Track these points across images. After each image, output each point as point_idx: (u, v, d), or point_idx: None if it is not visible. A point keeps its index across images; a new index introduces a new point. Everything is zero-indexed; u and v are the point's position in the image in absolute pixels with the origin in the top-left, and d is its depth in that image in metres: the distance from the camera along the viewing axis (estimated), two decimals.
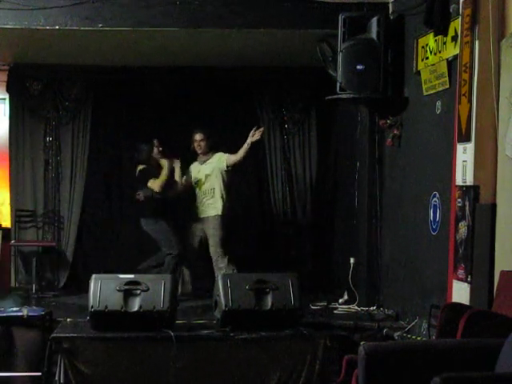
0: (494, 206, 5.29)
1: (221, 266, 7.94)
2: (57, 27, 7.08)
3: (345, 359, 4.81)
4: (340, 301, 7.77)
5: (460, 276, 5.55)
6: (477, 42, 5.40)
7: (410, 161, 6.92)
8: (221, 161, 8.15)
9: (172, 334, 6.22)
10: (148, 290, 6.34)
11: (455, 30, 5.85)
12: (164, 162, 8.19)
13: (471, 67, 5.42)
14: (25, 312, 6.73)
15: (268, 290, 6.48)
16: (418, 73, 6.66)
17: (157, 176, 8.16)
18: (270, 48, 8.03)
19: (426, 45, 6.49)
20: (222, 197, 8.12)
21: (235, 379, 6.35)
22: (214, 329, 6.51)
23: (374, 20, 7.00)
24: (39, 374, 6.41)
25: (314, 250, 9.38)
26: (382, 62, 6.99)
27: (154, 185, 8.12)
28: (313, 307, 7.61)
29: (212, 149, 8.23)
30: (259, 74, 9.09)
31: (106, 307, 6.27)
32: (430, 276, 6.36)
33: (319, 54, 7.54)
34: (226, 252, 8.01)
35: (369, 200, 7.65)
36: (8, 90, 9.10)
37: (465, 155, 5.52)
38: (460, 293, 5.52)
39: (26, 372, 6.59)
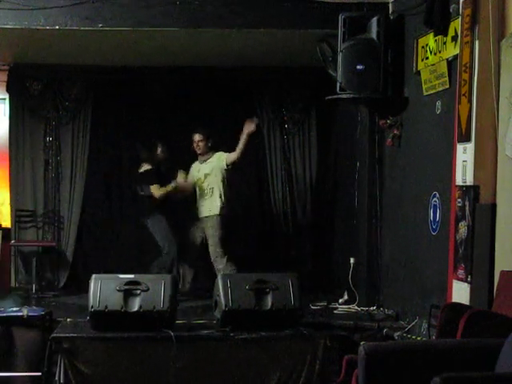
0: (493, 206, 5.29)
1: (220, 266, 7.94)
2: (57, 27, 7.08)
3: (345, 359, 4.81)
4: (340, 301, 7.77)
5: (460, 276, 5.55)
6: (477, 42, 5.40)
7: (410, 161, 6.92)
8: (220, 160, 8.15)
9: (172, 334, 6.22)
10: (148, 290, 6.34)
11: (455, 30, 5.85)
12: (182, 176, 8.16)
13: (471, 67, 5.42)
14: (25, 312, 6.73)
15: (268, 289, 6.48)
16: (418, 73, 6.66)
17: (158, 179, 8.16)
18: (270, 48, 8.03)
19: (426, 45, 6.49)
20: (220, 196, 8.12)
21: (235, 379, 6.35)
22: (214, 329, 6.51)
23: (374, 20, 7.00)
24: (39, 373, 6.41)
25: (314, 250, 9.38)
26: (382, 62, 6.99)
27: (156, 192, 8.13)
28: (313, 307, 7.61)
29: (212, 149, 8.23)
30: (259, 74, 9.09)
31: (106, 307, 6.27)
32: (430, 276, 6.36)
33: (319, 54, 7.54)
34: (226, 252, 8.01)
35: (369, 200, 7.66)
36: (8, 90, 9.10)
37: (465, 155, 5.52)
38: (460, 293, 5.53)
39: (26, 372, 6.59)
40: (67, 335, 6.32)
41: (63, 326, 6.60)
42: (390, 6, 7.23)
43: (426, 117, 6.58)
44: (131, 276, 6.46)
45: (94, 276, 6.43)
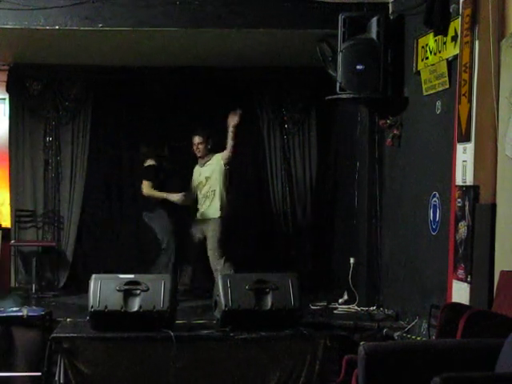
0: (493, 206, 5.29)
1: (218, 267, 7.94)
2: (57, 27, 7.08)
3: (345, 359, 4.81)
4: (340, 301, 7.76)
5: (460, 276, 5.55)
6: (477, 42, 5.40)
7: (410, 161, 6.92)
8: (218, 160, 8.16)
9: (172, 334, 6.22)
10: (148, 289, 6.34)
11: (455, 30, 5.85)
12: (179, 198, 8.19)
13: (471, 67, 5.42)
14: (25, 312, 6.73)
15: (268, 289, 6.48)
16: (418, 73, 6.66)
17: (157, 178, 8.17)
18: (270, 48, 8.03)
19: (426, 45, 6.48)
20: (221, 199, 8.12)
21: (235, 379, 6.35)
22: (214, 329, 6.51)
23: (374, 20, 7.00)
24: (39, 374, 6.42)
25: (314, 250, 9.38)
26: (382, 62, 6.99)
27: (146, 189, 8.14)
28: (313, 307, 7.61)
29: (211, 151, 8.22)
30: (259, 74, 9.09)
31: (106, 307, 6.27)
32: (430, 276, 6.36)
33: (319, 54, 7.54)
34: (224, 253, 8.01)
35: (369, 200, 7.66)
36: (8, 90, 9.10)
37: (465, 155, 5.52)
38: (460, 293, 5.53)
39: (26, 372, 6.59)
40: (67, 335, 6.32)
41: (63, 326, 6.60)
42: (390, 5, 7.23)
43: (425, 117, 6.58)
44: (131, 276, 6.46)
45: (93, 276, 6.43)
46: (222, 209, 8.10)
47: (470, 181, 5.45)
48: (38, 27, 7.06)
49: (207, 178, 8.17)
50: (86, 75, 9.07)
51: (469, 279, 5.43)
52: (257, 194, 9.58)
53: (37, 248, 8.94)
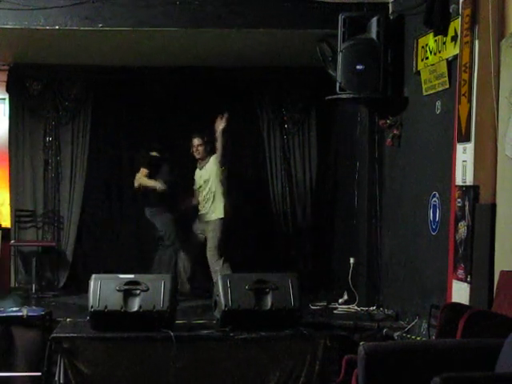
0: (493, 206, 5.29)
1: (216, 268, 7.95)
2: (57, 27, 7.08)
3: (345, 359, 4.81)
4: (340, 301, 7.77)
5: (460, 276, 5.55)
6: (477, 42, 5.40)
7: (410, 161, 6.92)
8: (214, 162, 8.14)
9: (172, 334, 6.22)
10: (148, 289, 6.34)
11: (455, 30, 5.85)
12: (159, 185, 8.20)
13: (471, 67, 5.42)
14: (25, 312, 6.73)
15: (268, 289, 6.48)
16: (418, 73, 6.66)
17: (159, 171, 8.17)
18: (270, 48, 8.03)
19: (426, 45, 6.48)
20: (221, 200, 8.12)
21: (235, 379, 6.35)
22: (214, 329, 6.51)
23: (374, 20, 7.00)
24: (39, 374, 6.42)
25: (314, 250, 9.38)
26: (382, 62, 6.99)
27: (139, 174, 8.15)
28: (313, 307, 7.61)
29: (210, 153, 8.21)
30: (259, 74, 9.09)
31: (106, 307, 6.27)
32: (430, 276, 6.36)
33: (319, 54, 7.54)
34: (223, 254, 8.01)
35: (369, 200, 7.66)
36: (8, 90, 9.11)
37: (465, 155, 5.52)
38: (460, 293, 5.52)
39: (26, 372, 6.59)
40: (67, 335, 6.32)
41: (63, 326, 6.61)
42: (390, 5, 7.23)
43: (425, 117, 6.58)
44: (131, 276, 6.47)
45: (93, 276, 6.43)
46: (222, 210, 8.10)
47: (469, 181, 5.45)
48: (38, 27, 7.06)
49: (206, 181, 8.18)
50: (86, 75, 9.07)
51: (469, 279, 5.43)
52: (257, 194, 9.57)
53: (37, 248, 8.94)
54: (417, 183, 6.73)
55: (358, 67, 6.96)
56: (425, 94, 6.51)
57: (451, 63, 6.01)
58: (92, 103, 9.16)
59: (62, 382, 6.21)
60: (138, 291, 6.34)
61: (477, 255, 5.37)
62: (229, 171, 8.33)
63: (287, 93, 9.34)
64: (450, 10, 5.88)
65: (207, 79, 9.06)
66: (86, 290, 6.39)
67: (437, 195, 6.27)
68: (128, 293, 6.33)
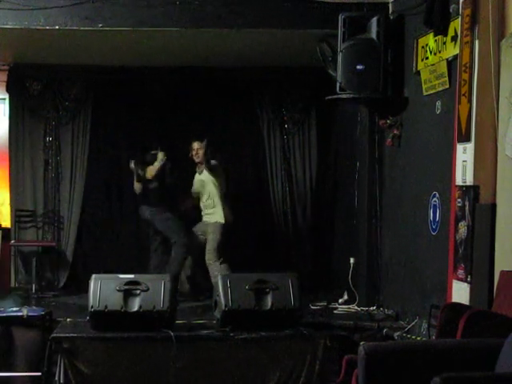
0: (493, 206, 5.29)
1: (214, 270, 7.94)
2: (57, 27, 7.08)
3: (345, 359, 4.81)
4: (340, 301, 7.76)
5: (460, 276, 5.55)
6: (477, 42, 5.40)
7: (410, 161, 6.92)
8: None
9: (172, 334, 6.22)
10: (148, 289, 6.34)
11: (455, 30, 5.85)
12: (160, 155, 8.18)
13: (471, 67, 5.42)
14: (25, 312, 6.73)
15: (268, 289, 6.48)
16: (418, 73, 6.66)
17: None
18: (270, 48, 8.03)
19: (426, 45, 6.48)
20: (222, 204, 8.13)
21: (235, 379, 6.35)
22: (214, 329, 6.51)
23: (374, 20, 7.00)
24: (39, 373, 6.42)
25: (314, 250, 9.38)
26: (382, 62, 6.99)
27: (149, 172, 8.14)
28: (313, 307, 7.61)
29: (208, 158, 8.19)
30: (259, 74, 9.09)
31: (106, 307, 6.27)
32: (430, 276, 6.36)
33: (319, 54, 7.54)
34: (220, 256, 8.01)
35: (369, 200, 7.65)
36: (8, 90, 9.10)
37: (465, 155, 5.52)
38: (460, 293, 5.52)
39: (26, 372, 6.59)
40: (67, 335, 6.32)
41: (63, 326, 6.60)
42: (390, 5, 7.22)
43: (425, 117, 6.58)
44: (131, 276, 6.47)
45: (93, 276, 6.43)
46: (222, 215, 8.11)
47: (470, 181, 5.45)
48: (38, 27, 7.06)
49: (204, 187, 8.17)
50: (86, 75, 9.07)
51: (469, 279, 5.43)
52: (257, 194, 9.58)
53: (37, 248, 8.94)
54: (417, 183, 6.73)
55: (358, 67, 6.96)
56: (425, 94, 6.51)
57: (451, 63, 6.01)
58: (92, 103, 9.16)
59: (62, 381, 6.21)
60: (138, 291, 6.34)
61: (477, 255, 5.37)
62: (229, 172, 8.33)
63: (287, 93, 9.34)
64: (450, 10, 5.88)
65: (207, 79, 9.06)
66: (86, 290, 6.39)
67: (437, 195, 6.27)
68: (128, 293, 6.33)
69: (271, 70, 9.04)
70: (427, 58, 6.47)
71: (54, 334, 6.33)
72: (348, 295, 7.78)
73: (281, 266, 8.66)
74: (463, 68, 5.54)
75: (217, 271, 7.83)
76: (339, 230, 9.13)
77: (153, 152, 8.27)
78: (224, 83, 9.10)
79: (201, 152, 8.16)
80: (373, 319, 7.06)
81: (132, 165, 8.27)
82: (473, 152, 5.41)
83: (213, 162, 8.16)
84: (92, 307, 6.27)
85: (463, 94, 5.52)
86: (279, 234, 9.41)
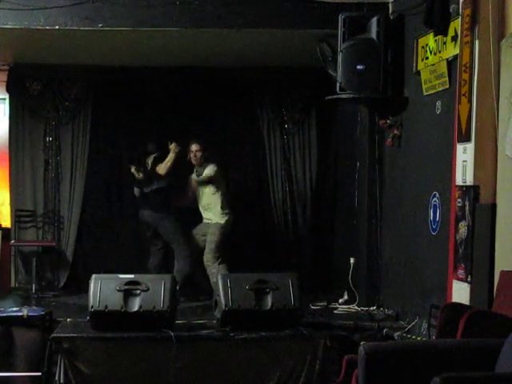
0: (494, 206, 5.29)
1: (213, 270, 7.95)
2: (57, 27, 7.08)
3: (345, 359, 4.81)
4: (340, 301, 7.77)
5: (460, 276, 5.55)
6: (477, 42, 5.40)
7: (410, 161, 6.92)
8: (209, 171, 8.10)
9: (172, 334, 6.23)
10: (148, 290, 6.35)
11: (455, 30, 5.85)
12: (174, 147, 8.16)
13: (471, 67, 5.42)
14: (25, 312, 6.73)
15: (268, 289, 6.48)
16: (418, 73, 6.66)
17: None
18: (270, 48, 8.03)
19: (426, 45, 6.48)
20: (222, 207, 8.12)
21: (235, 379, 6.35)
22: (214, 329, 6.51)
23: (374, 20, 7.00)
24: (39, 373, 6.42)
25: (314, 250, 9.38)
26: (382, 62, 6.99)
27: (160, 169, 8.13)
28: (313, 307, 7.61)
29: (207, 160, 8.19)
30: (259, 74, 9.09)
31: (106, 307, 6.27)
32: (430, 276, 6.36)
33: (319, 54, 7.54)
34: (219, 257, 8.01)
35: (369, 200, 7.65)
36: (8, 90, 9.10)
37: (465, 155, 5.52)
38: (460, 293, 5.52)
39: (26, 372, 6.59)
40: (67, 335, 6.33)
41: (63, 326, 6.61)
42: (390, 5, 7.22)
43: (425, 117, 6.58)
44: (131, 276, 6.47)
45: (93, 276, 6.44)
46: (223, 217, 8.11)
47: (470, 181, 5.45)
48: (38, 27, 7.06)
49: (203, 191, 8.16)
50: (86, 75, 9.07)
51: (469, 279, 5.43)
52: (257, 193, 9.58)
53: (37, 248, 8.94)
54: (417, 183, 6.73)
55: (358, 67, 6.96)
56: (425, 94, 6.51)
57: (451, 63, 6.01)
58: (92, 103, 9.15)
59: (62, 381, 6.21)
60: (138, 291, 6.35)
61: (477, 255, 5.37)
62: (229, 172, 8.32)
63: (287, 93, 9.34)
64: (450, 10, 5.88)
65: (207, 79, 9.06)
66: (86, 290, 6.39)
67: (437, 195, 6.27)
68: (128, 293, 6.33)
69: (271, 69, 9.04)
70: (427, 58, 6.47)
71: (54, 334, 6.33)
72: (348, 295, 7.78)
73: (281, 265, 8.66)
74: (463, 68, 5.54)
75: (215, 272, 7.84)
76: (339, 230, 9.13)
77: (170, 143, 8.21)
78: (224, 83, 9.09)
79: (199, 154, 8.15)
80: (373, 319, 7.06)
81: (133, 170, 8.27)
82: (473, 152, 5.41)
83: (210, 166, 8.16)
84: (92, 307, 6.27)
85: (463, 94, 5.52)
86: (279, 234, 9.41)
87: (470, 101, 5.42)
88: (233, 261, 8.06)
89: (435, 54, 6.31)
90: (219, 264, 7.96)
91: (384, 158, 7.54)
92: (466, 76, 5.48)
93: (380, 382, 4.04)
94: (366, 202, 7.68)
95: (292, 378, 6.38)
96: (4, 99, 9.25)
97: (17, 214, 9.06)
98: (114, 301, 6.29)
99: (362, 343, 4.23)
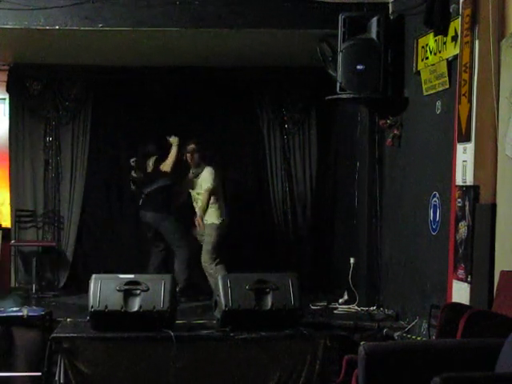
0: (494, 206, 5.29)
1: (210, 271, 7.96)
2: (57, 27, 7.08)
3: (345, 359, 4.81)
4: (340, 301, 7.77)
5: (460, 276, 5.55)
6: (477, 42, 5.40)
7: (410, 161, 6.92)
8: (211, 172, 8.08)
9: (172, 334, 6.22)
10: (148, 290, 6.34)
11: (455, 30, 5.85)
12: (174, 140, 8.16)
13: (471, 67, 5.42)
14: (25, 312, 6.73)
15: (268, 289, 6.48)
16: (418, 73, 6.66)
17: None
18: (270, 48, 8.03)
19: (426, 45, 6.48)
20: (219, 208, 8.11)
21: (235, 379, 6.35)
22: (214, 329, 6.51)
23: (374, 20, 7.00)
24: (39, 373, 6.42)
25: (314, 250, 9.38)
26: (382, 62, 6.99)
27: (165, 166, 8.13)
28: (313, 307, 7.61)
29: (203, 160, 8.18)
30: (259, 74, 9.09)
31: (106, 307, 6.27)
32: (430, 276, 6.36)
33: (319, 54, 7.53)
34: (216, 258, 8.01)
35: (369, 200, 7.66)
36: (8, 90, 9.10)
37: (465, 155, 5.52)
38: (460, 293, 5.53)
39: (26, 372, 6.59)
40: (67, 335, 6.33)
41: (63, 326, 6.61)
42: (390, 5, 7.22)
43: (425, 117, 6.58)
44: (131, 276, 6.47)
45: (94, 276, 6.44)
46: (218, 216, 8.10)
47: (470, 181, 5.45)
48: (38, 27, 7.06)
49: (199, 193, 8.14)
50: (86, 75, 9.07)
51: (469, 279, 5.43)
52: (257, 193, 9.58)
53: (37, 248, 8.94)
54: (417, 183, 6.73)
55: (358, 67, 6.96)
56: (425, 94, 6.51)
57: (451, 63, 6.01)
58: (92, 103, 9.15)
59: (62, 381, 6.21)
60: (138, 291, 6.35)
61: (477, 255, 5.37)
62: (227, 172, 8.31)
63: (287, 93, 9.34)
64: (450, 10, 5.88)
65: (207, 79, 9.06)
66: (86, 290, 6.39)
67: (437, 195, 6.27)
68: (128, 293, 6.33)
69: (271, 70, 9.04)
70: (427, 58, 6.47)
71: (54, 334, 6.33)
72: (348, 295, 7.78)
73: (281, 265, 8.65)
74: (463, 68, 5.54)
75: (212, 273, 7.85)
76: (339, 230, 9.13)
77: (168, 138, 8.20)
78: (224, 83, 9.10)
79: (196, 155, 8.15)
80: (373, 319, 7.06)
81: (134, 174, 8.28)
82: (473, 152, 5.41)
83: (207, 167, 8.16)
84: (92, 307, 6.27)
85: (463, 94, 5.52)
86: (279, 234, 9.41)
87: (470, 101, 5.42)
88: (232, 261, 8.06)
89: (435, 54, 6.31)
90: (216, 265, 7.96)
91: (384, 158, 7.54)
92: (465, 76, 5.48)
93: (380, 381, 4.04)
94: (366, 202, 7.68)
95: (292, 378, 6.38)
96: (4, 99, 9.25)
97: (17, 214, 9.06)
98: (114, 301, 6.29)
99: (361, 343, 4.23)
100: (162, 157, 8.24)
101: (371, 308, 7.44)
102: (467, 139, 5.46)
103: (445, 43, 6.11)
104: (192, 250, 8.15)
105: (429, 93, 6.44)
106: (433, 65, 6.34)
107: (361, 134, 7.81)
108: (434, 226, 6.31)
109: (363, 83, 7.00)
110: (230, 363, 6.35)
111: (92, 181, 9.23)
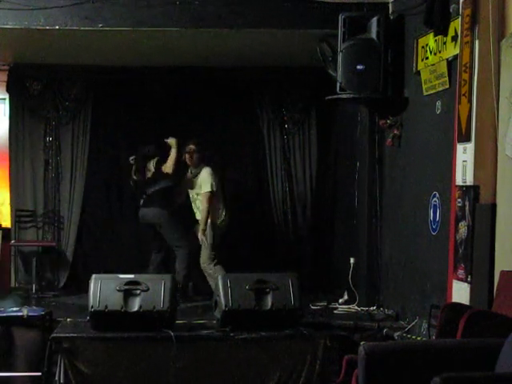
0: (494, 206, 5.29)
1: (209, 271, 7.96)
2: (57, 27, 7.09)
3: (345, 359, 4.81)
4: (340, 301, 7.77)
5: (460, 276, 5.55)
6: (477, 42, 5.40)
7: (410, 161, 6.92)
8: (210, 173, 8.07)
9: (172, 334, 6.22)
10: (148, 290, 6.34)
11: (455, 30, 5.85)
12: (172, 142, 8.16)
13: (471, 67, 5.42)
14: (25, 312, 6.73)
15: (268, 289, 6.48)
16: (418, 73, 6.66)
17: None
18: (270, 48, 8.03)
19: (426, 45, 6.49)
20: (216, 208, 8.10)
21: (235, 379, 6.35)
22: (214, 329, 6.51)
23: (374, 20, 7.00)
24: (39, 373, 6.42)
25: (314, 250, 9.38)
26: (382, 62, 6.99)
27: (167, 168, 8.13)
28: (313, 307, 7.61)
29: (202, 161, 8.18)
30: (259, 74, 9.09)
31: (106, 307, 6.27)
32: (430, 276, 6.36)
33: (319, 54, 7.53)
34: (215, 258, 8.00)
35: (369, 200, 7.66)
36: (8, 90, 9.10)
37: (465, 155, 5.52)
38: (460, 293, 5.53)
39: (26, 372, 6.59)
40: (67, 335, 6.33)
41: (63, 326, 6.61)
42: (390, 5, 7.22)
43: (425, 117, 6.58)
44: (131, 276, 6.47)
45: (94, 276, 6.43)
46: (218, 217, 8.10)
47: (470, 181, 5.45)
48: (38, 27, 7.07)
49: (198, 194, 8.14)
50: (86, 75, 9.07)
51: (469, 279, 5.43)
52: (257, 193, 9.58)
53: (37, 248, 8.94)
54: (417, 183, 6.73)
55: (358, 67, 6.96)
56: (425, 94, 6.51)
57: (451, 63, 6.01)
58: (92, 103, 9.16)
59: (62, 381, 6.21)
60: (138, 291, 6.35)
61: (477, 255, 5.37)
62: (228, 172, 8.31)
63: (287, 93, 9.34)
64: (450, 10, 5.88)
65: (207, 79, 9.06)
66: (86, 290, 6.39)
67: (437, 195, 6.27)
68: (128, 293, 6.33)
69: (271, 70, 9.04)
70: (427, 58, 6.47)
71: (54, 334, 6.33)
72: (348, 295, 7.78)
73: (281, 266, 8.65)
74: (463, 68, 5.54)
75: (211, 273, 7.84)
76: (339, 230, 9.13)
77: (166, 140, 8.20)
78: (224, 83, 9.10)
79: (196, 155, 8.15)
80: (373, 319, 7.06)
81: (134, 177, 8.28)
82: (473, 152, 5.41)
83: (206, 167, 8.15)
84: (92, 307, 6.27)
85: (463, 94, 5.52)
86: (279, 234, 9.41)
87: (470, 101, 5.42)
88: (232, 261, 8.05)
89: (435, 54, 6.31)
90: (215, 265, 7.96)
91: (384, 158, 7.54)
92: (465, 76, 5.48)
93: (380, 381, 4.04)
94: (366, 202, 7.68)
95: (292, 378, 6.38)
96: (4, 99, 9.25)
97: (17, 214, 9.07)
98: (114, 301, 6.29)
99: (362, 343, 4.23)
100: (163, 158, 8.24)
101: (371, 308, 7.44)
102: (467, 139, 5.46)
103: (445, 43, 6.11)
104: (192, 250, 8.14)
105: (429, 93, 6.45)
106: (433, 65, 6.34)
107: (361, 134, 7.81)
108: (434, 226, 6.31)
109: (363, 83, 7.00)
110: (230, 363, 6.35)
111: (92, 181, 9.23)
